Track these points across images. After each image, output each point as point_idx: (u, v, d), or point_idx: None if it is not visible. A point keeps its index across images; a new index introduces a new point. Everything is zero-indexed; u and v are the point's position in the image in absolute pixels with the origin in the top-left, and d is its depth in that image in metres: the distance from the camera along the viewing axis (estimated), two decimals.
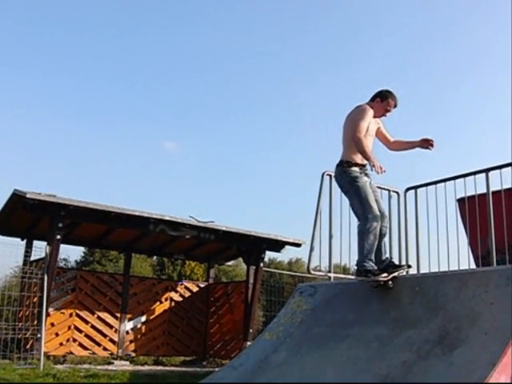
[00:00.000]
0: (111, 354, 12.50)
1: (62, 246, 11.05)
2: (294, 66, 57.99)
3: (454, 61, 56.63)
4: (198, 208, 53.65)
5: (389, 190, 6.74)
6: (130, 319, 13.00)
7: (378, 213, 5.29)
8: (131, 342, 12.96)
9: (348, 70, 57.41)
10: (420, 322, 4.53)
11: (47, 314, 10.41)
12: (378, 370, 4.20)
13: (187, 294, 14.07)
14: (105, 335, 12.51)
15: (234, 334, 13.15)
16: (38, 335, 9.76)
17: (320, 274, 6.69)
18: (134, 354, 13.02)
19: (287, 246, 13.02)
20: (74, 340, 12.04)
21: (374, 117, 5.64)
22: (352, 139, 5.38)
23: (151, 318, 13.36)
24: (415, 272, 6.01)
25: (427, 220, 6.19)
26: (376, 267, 5.20)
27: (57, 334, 11.75)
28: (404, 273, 5.48)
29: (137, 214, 10.91)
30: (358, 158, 5.47)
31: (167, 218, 11.29)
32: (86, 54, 51.42)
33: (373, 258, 5.24)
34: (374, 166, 5.21)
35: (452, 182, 6.09)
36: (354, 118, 5.47)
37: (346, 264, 8.69)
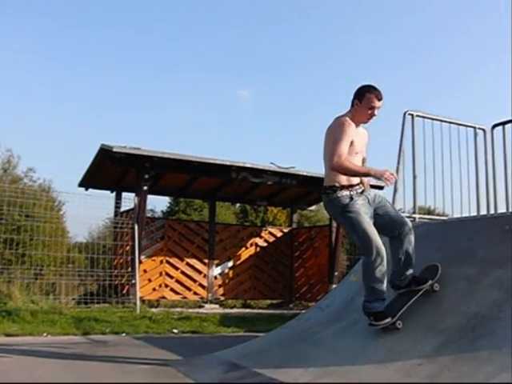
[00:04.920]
0: (201, 298, 13.05)
1: (149, 197, 11.48)
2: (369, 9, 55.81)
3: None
4: (279, 154, 53.70)
5: (474, 128, 6.49)
6: (217, 265, 13.47)
7: (381, 245, 4.41)
8: (220, 286, 13.47)
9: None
10: (510, 261, 4.41)
11: (139, 262, 10.95)
12: (466, 308, 4.15)
13: (271, 240, 14.34)
14: (194, 280, 13.06)
15: (319, 277, 13.36)
16: (133, 281, 10.31)
17: (404, 215, 6.60)
18: (223, 298, 13.53)
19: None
20: (166, 285, 12.66)
21: (363, 122, 4.64)
22: (331, 168, 4.41)
23: (238, 263, 13.78)
24: (504, 210, 5.82)
25: None
26: (383, 308, 4.48)
27: (149, 280, 12.40)
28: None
29: (218, 162, 11.10)
30: (344, 179, 4.50)
31: (249, 166, 11.43)
32: (158, 10, 51.68)
33: (381, 296, 4.49)
34: (381, 176, 4.31)
35: None
36: (334, 137, 4.44)
37: (430, 206, 8.59)
